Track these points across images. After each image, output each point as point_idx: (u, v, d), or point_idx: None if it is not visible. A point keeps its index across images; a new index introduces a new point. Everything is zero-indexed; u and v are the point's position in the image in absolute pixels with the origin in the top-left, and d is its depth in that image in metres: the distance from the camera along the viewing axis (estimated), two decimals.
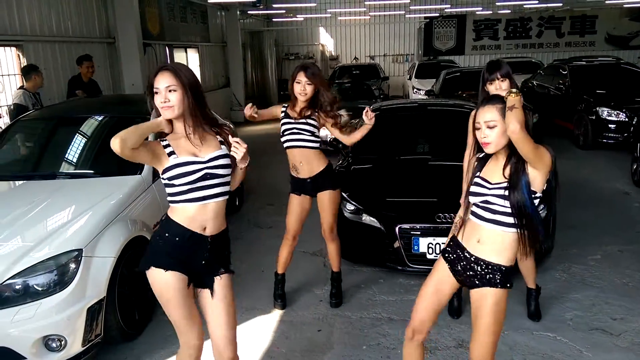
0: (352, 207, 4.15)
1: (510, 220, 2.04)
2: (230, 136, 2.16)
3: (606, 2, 17.76)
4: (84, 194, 3.47)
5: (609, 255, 4.43)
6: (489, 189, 2.08)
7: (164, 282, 2.12)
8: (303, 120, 3.35)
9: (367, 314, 3.60)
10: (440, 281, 2.26)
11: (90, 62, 6.59)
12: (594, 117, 8.32)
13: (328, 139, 5.25)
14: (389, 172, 4.66)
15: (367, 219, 4.07)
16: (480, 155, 2.20)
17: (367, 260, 4.24)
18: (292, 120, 3.38)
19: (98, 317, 2.88)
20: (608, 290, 3.83)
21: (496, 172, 2.09)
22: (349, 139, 3.43)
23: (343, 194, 4.27)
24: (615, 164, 7.34)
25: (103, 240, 2.99)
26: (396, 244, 3.90)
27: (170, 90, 2.05)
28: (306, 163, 3.42)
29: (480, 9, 18.96)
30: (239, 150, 2.08)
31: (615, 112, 8.17)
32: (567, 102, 9.36)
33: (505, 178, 2.04)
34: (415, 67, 15.32)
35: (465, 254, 2.17)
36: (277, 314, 3.66)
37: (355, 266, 4.33)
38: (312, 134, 3.38)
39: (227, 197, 2.21)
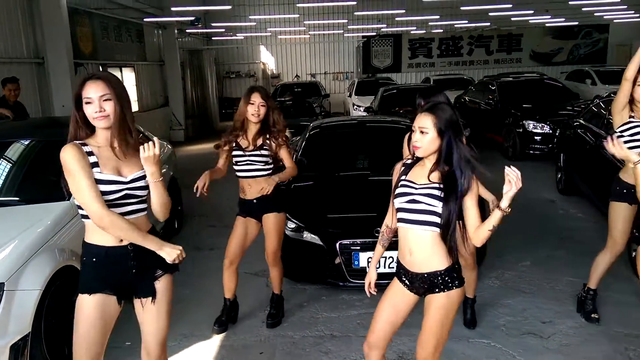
0: (293, 225, 4.16)
1: (436, 219, 2.13)
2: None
3: (529, 21, 18.95)
4: (7, 223, 3.28)
5: (538, 260, 4.68)
6: (416, 189, 2.18)
7: (84, 307, 2.10)
8: (257, 152, 3.33)
9: (310, 333, 3.60)
10: (396, 298, 2.32)
11: (14, 84, 6.27)
12: (521, 130, 8.82)
13: None
14: (330, 189, 4.71)
15: (308, 236, 4.09)
16: (408, 162, 2.30)
17: (309, 278, 4.25)
18: (243, 153, 3.35)
19: (23, 354, 2.71)
20: (538, 294, 4.03)
21: (422, 175, 2.20)
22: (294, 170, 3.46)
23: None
24: (542, 174, 7.78)
25: (27, 271, 2.83)
26: (337, 260, 3.94)
27: (105, 100, 2.02)
28: (255, 184, 3.40)
29: (415, 28, 19.72)
30: (147, 151, 2.04)
31: (540, 125, 8.70)
32: (496, 116, 9.87)
33: (430, 181, 2.15)
34: (355, 84, 15.69)
35: (412, 274, 2.25)
36: (217, 339, 3.58)
37: (297, 285, 4.32)
38: (266, 162, 3.36)
39: (144, 213, 2.20)
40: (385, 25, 19.21)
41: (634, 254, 4.18)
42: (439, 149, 2.15)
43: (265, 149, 3.33)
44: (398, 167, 2.34)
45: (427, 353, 2.23)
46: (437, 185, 2.15)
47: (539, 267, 4.53)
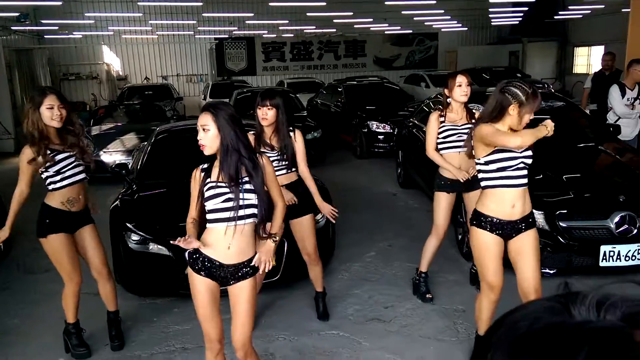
0: (138, 238, 3.93)
1: (253, 211, 2.35)
2: None
3: (371, 29, 20.41)
4: None
5: (382, 250, 5.06)
6: (226, 187, 2.32)
7: None
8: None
9: (160, 349, 3.43)
10: (209, 290, 2.43)
11: None
12: (366, 130, 9.45)
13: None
14: (178, 196, 4.54)
15: (154, 247, 3.90)
16: (205, 166, 2.41)
17: (158, 291, 4.06)
18: (66, 155, 3.08)
19: None
20: (381, 282, 4.36)
21: (217, 173, 2.36)
22: None
23: (127, 224, 4.04)
24: (386, 170, 8.42)
25: None
26: (187, 270, 3.81)
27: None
28: (84, 194, 3.20)
29: (266, 32, 19.99)
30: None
31: (382, 125, 9.41)
32: (344, 117, 10.44)
33: (222, 179, 2.33)
34: (209, 87, 15.38)
35: (218, 265, 2.39)
36: None
37: (146, 300, 4.10)
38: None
39: None
40: (236, 28, 19.16)
41: (459, 237, 4.75)
42: (220, 143, 2.31)
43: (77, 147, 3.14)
44: (197, 174, 2.45)
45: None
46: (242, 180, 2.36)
47: (382, 257, 4.89)
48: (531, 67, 21.79)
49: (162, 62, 20.92)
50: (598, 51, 18.18)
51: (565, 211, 3.86)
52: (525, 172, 2.73)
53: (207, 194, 2.35)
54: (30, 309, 4.06)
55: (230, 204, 2.32)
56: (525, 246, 2.79)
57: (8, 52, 13.74)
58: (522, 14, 19.74)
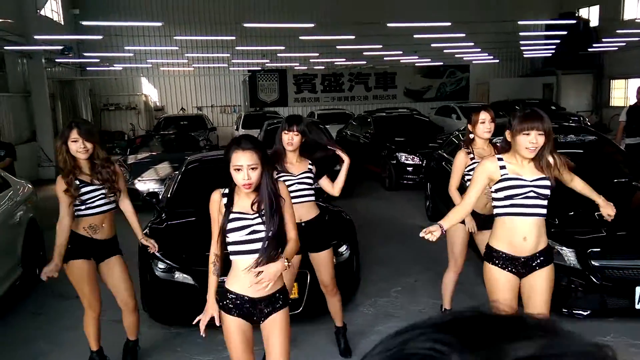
0: (164, 266, 3.99)
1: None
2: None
3: (400, 61, 20.58)
4: None
5: (408, 285, 4.97)
6: (252, 219, 2.31)
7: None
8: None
9: None
10: (241, 331, 2.37)
11: None
12: (394, 162, 9.43)
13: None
14: (207, 226, 4.61)
15: (180, 276, 3.95)
16: (226, 191, 2.39)
17: (183, 321, 4.07)
18: (93, 187, 3.21)
19: None
20: (406, 319, 4.25)
21: (248, 205, 2.35)
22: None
23: (156, 253, 4.11)
24: (414, 202, 8.35)
25: None
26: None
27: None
28: (108, 224, 3.27)
29: (298, 64, 20.43)
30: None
31: (411, 157, 9.39)
32: (373, 148, 10.47)
33: (254, 211, 2.32)
34: (242, 118, 15.73)
35: (250, 302, 2.34)
36: None
37: (171, 329, 4.13)
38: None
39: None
40: (268, 61, 19.66)
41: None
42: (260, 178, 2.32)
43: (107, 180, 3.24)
44: (215, 198, 2.43)
45: None
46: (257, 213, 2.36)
47: (408, 292, 4.81)
48: (566, 99, 21.45)
49: (197, 93, 21.57)
50: (635, 84, 17.78)
51: (598, 250, 3.73)
52: (539, 202, 2.60)
53: (230, 226, 2.31)
54: (62, 335, 4.14)
55: (255, 236, 2.30)
56: (538, 284, 2.67)
57: (52, 83, 14.46)
58: (554, 47, 19.58)
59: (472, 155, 3.63)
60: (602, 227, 3.83)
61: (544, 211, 2.64)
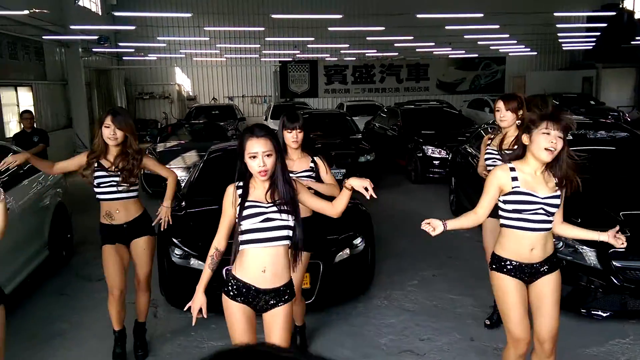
0: (181, 252, 4.07)
1: (289, 233, 2.35)
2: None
3: (433, 52, 20.23)
4: None
5: (425, 279, 4.91)
6: (267, 207, 2.33)
7: None
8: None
9: None
10: (245, 316, 2.41)
11: (29, 113, 7.53)
12: (421, 155, 9.30)
13: None
14: None
15: (195, 263, 4.01)
16: (241, 184, 2.39)
17: None
18: (107, 174, 3.28)
19: None
20: (420, 312, 4.22)
21: (262, 195, 2.36)
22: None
23: (173, 239, 4.20)
24: (439, 196, 8.22)
25: None
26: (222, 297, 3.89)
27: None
28: (123, 209, 3.34)
29: (329, 55, 20.35)
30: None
31: (438, 150, 9.24)
32: (400, 141, 10.35)
33: (269, 201, 2.35)
34: (271, 108, 15.80)
35: (255, 292, 2.34)
36: None
37: (187, 314, 4.19)
38: (133, 184, 3.34)
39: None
40: (299, 52, 19.66)
41: None
42: (275, 166, 2.33)
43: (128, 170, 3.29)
44: (230, 190, 2.42)
45: None
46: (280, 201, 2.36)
47: (424, 286, 4.75)
48: (607, 94, 20.68)
49: (229, 83, 21.80)
50: None
51: (620, 250, 3.58)
52: (546, 218, 2.51)
53: (244, 213, 2.32)
54: (81, 315, 4.29)
55: (268, 224, 2.31)
56: (546, 289, 2.58)
57: (89, 72, 14.88)
58: (595, 39, 18.85)
59: (489, 142, 3.64)
60: (626, 228, 3.68)
61: (550, 226, 2.56)
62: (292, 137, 3.24)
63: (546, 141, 2.41)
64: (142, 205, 3.46)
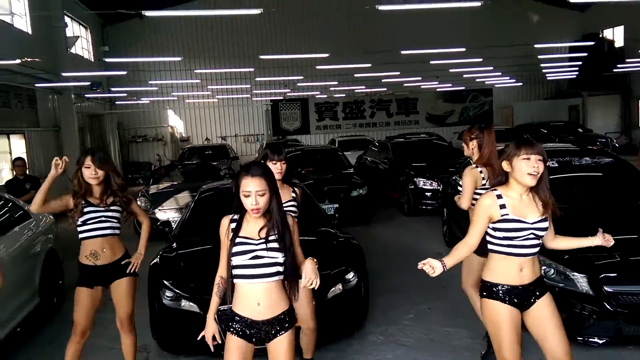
0: (172, 294, 4.03)
1: (279, 269, 2.35)
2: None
3: (421, 86, 20.65)
4: None
5: (420, 313, 4.86)
6: (256, 244, 2.35)
7: None
8: (113, 207, 3.37)
9: None
10: (240, 352, 2.41)
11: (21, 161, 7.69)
12: (413, 187, 9.36)
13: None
14: (217, 255, 4.64)
15: (186, 304, 3.97)
16: (236, 217, 2.43)
17: (190, 349, 4.08)
18: (96, 209, 3.32)
19: None
20: (416, 347, 4.17)
21: (255, 231, 2.39)
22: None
23: (164, 281, 4.16)
24: (432, 228, 8.22)
25: None
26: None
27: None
28: (109, 248, 3.37)
29: (319, 93, 20.71)
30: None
31: (430, 182, 9.30)
32: (392, 174, 10.43)
33: (261, 237, 2.37)
34: (264, 146, 15.94)
35: (257, 327, 2.37)
36: None
37: (179, 358, 4.13)
38: (118, 220, 3.39)
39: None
40: (289, 90, 20.02)
41: None
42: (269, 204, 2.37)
43: (118, 205, 3.38)
44: (224, 223, 2.48)
45: None
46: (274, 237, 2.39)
47: (420, 320, 4.70)
48: (593, 121, 21.04)
49: (221, 123, 22.06)
50: None
51: (612, 275, 3.59)
52: (536, 242, 2.55)
53: (234, 249, 2.37)
54: None
55: (257, 262, 2.34)
56: (544, 313, 2.57)
57: (81, 117, 15.04)
58: (577, 68, 19.34)
59: (474, 166, 3.69)
60: (616, 252, 3.70)
61: (539, 247, 2.60)
62: (276, 169, 3.31)
63: (528, 166, 2.48)
64: (124, 246, 3.49)
